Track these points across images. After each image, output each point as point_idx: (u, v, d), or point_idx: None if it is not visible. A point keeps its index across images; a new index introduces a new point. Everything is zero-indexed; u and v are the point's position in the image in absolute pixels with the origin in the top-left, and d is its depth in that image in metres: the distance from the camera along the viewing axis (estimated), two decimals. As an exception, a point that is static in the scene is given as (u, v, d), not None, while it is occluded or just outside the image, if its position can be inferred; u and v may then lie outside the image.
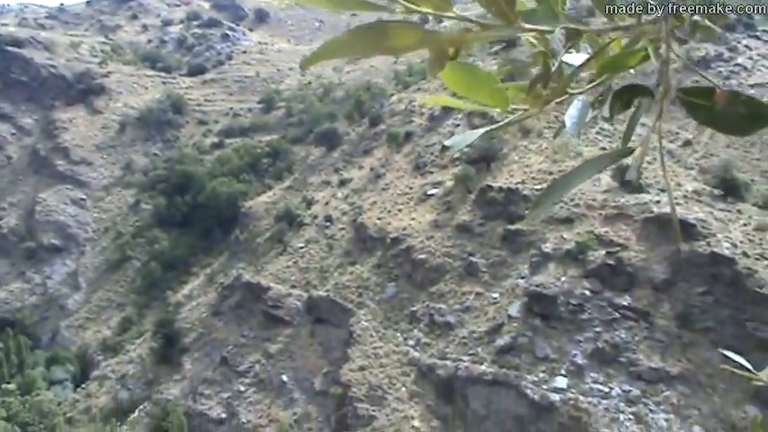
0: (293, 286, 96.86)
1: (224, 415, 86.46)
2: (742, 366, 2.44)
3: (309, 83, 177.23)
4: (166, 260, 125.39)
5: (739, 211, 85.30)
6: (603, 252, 79.92)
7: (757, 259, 75.48)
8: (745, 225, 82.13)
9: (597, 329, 75.47)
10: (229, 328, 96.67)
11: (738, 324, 72.29)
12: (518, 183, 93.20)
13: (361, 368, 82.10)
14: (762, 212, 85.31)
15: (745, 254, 75.80)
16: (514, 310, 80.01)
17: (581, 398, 70.83)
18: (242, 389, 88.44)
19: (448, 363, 79.41)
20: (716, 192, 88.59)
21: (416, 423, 75.65)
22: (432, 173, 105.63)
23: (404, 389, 79.46)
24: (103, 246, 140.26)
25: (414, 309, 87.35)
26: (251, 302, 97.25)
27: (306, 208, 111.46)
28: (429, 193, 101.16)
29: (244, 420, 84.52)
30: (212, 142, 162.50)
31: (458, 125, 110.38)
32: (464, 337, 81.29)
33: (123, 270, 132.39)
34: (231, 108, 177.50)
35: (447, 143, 2.41)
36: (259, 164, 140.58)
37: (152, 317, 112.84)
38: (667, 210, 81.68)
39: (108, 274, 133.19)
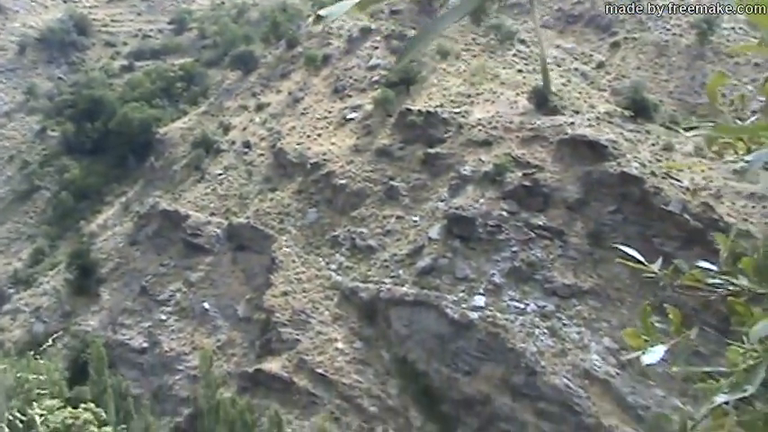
0: (212, 214, 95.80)
1: (145, 344, 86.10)
2: (636, 259, 2.76)
3: (222, 2, 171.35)
4: (78, 189, 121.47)
5: (648, 132, 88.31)
6: (520, 174, 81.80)
7: (663, 178, 78.77)
8: (653, 145, 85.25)
9: (514, 249, 77.88)
10: (148, 258, 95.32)
11: (646, 240, 75.74)
12: (437, 106, 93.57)
13: (284, 293, 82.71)
14: (669, 133, 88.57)
15: (652, 173, 78.90)
16: (434, 232, 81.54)
17: (498, 315, 73.53)
18: (163, 318, 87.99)
19: (370, 285, 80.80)
20: (626, 113, 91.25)
21: (340, 345, 77.20)
22: (351, 96, 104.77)
23: (327, 312, 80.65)
24: (8, 176, 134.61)
25: (335, 233, 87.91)
26: (169, 231, 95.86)
27: (223, 134, 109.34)
28: (348, 117, 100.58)
29: (166, 349, 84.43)
30: (121, 65, 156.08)
31: (376, 47, 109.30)
32: (386, 260, 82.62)
33: (32, 201, 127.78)
34: (140, 29, 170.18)
35: (321, 12, 2.41)
36: (173, 88, 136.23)
37: (66, 248, 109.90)
38: (581, 131, 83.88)
39: (15, 206, 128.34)
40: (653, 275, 2.57)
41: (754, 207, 75.93)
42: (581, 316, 73.40)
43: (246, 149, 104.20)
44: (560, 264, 76.80)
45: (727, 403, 2.23)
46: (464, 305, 74.74)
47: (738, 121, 2.90)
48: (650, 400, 66.07)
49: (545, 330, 72.05)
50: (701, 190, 77.25)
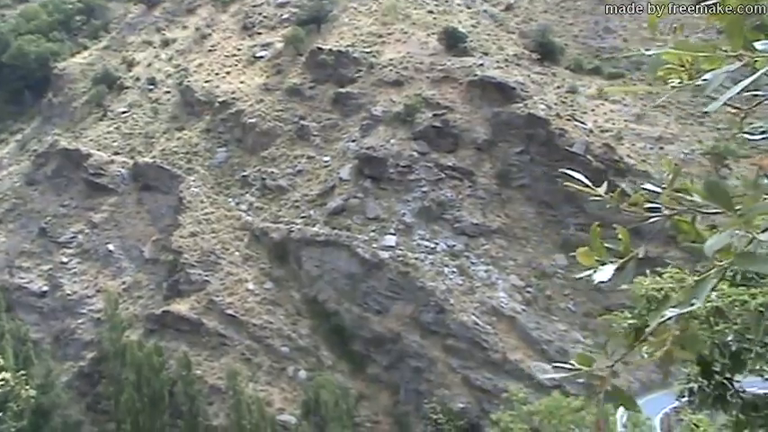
0: (116, 153, 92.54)
1: (46, 288, 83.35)
2: (583, 183, 2.67)
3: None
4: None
5: (554, 74, 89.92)
6: (430, 114, 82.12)
7: (568, 120, 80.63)
8: (558, 88, 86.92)
9: (424, 189, 78.63)
10: (47, 198, 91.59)
11: (551, 180, 77.67)
12: (348, 45, 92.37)
13: (193, 234, 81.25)
14: (574, 76, 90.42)
15: (558, 115, 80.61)
16: (345, 172, 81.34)
17: (409, 254, 74.48)
18: (65, 260, 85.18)
19: (281, 226, 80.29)
20: (534, 56, 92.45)
21: (251, 286, 76.75)
22: (260, 34, 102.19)
23: (237, 253, 79.85)
24: None
25: (245, 173, 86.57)
26: (70, 170, 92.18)
27: (126, 70, 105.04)
28: (258, 55, 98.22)
29: (68, 292, 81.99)
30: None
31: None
32: (296, 201, 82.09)
33: None
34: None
35: None
36: (71, 21, 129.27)
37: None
38: (490, 73, 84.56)
39: None
40: (598, 198, 2.45)
41: (651, 149, 78.75)
42: (489, 255, 75.14)
43: (151, 86, 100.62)
44: (469, 203, 78.08)
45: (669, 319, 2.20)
46: (375, 245, 75.28)
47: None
48: (553, 334, 68.72)
49: (454, 269, 73.50)
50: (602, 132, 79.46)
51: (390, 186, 79.13)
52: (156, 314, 76.61)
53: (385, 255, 74.10)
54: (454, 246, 75.04)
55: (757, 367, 4.99)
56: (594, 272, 1.98)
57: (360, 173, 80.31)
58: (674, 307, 2.10)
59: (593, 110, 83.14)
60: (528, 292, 72.33)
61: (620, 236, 2.08)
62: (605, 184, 2.63)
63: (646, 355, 2.20)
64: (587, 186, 2.59)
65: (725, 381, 4.86)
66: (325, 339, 73.74)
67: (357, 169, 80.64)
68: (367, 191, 79.21)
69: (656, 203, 2.31)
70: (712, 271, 2.00)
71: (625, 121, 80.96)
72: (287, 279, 78.00)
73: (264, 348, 72.85)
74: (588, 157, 76.03)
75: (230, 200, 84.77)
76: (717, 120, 79.92)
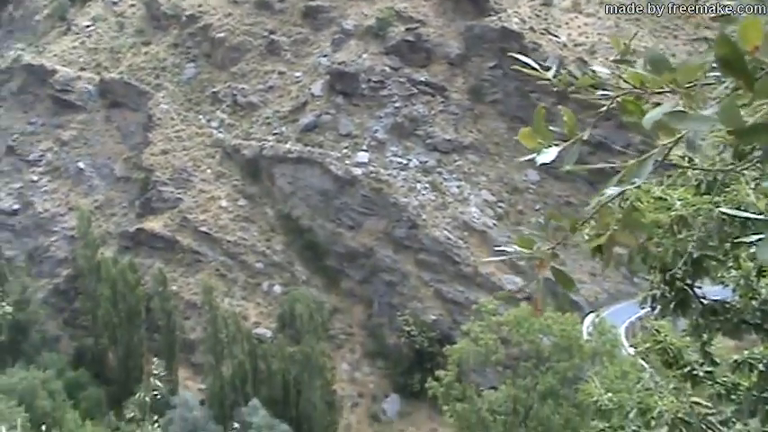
0: (82, 68, 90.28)
1: (17, 206, 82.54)
2: (531, 66, 2.80)
3: None
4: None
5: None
6: (403, 28, 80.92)
7: (542, 34, 79.99)
8: (532, 0, 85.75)
9: (397, 105, 78.23)
10: (13, 116, 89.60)
11: (523, 95, 77.66)
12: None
13: (164, 152, 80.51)
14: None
15: (531, 29, 79.85)
16: (317, 88, 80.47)
17: (382, 170, 74.70)
18: (35, 178, 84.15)
19: (253, 143, 79.77)
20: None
21: (224, 203, 76.77)
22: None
23: (209, 170, 79.48)
24: None
25: (215, 90, 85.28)
26: (36, 87, 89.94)
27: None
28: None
29: (40, 210, 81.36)
30: None
31: None
32: (268, 117, 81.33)
33: None
34: None
35: None
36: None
37: None
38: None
39: None
40: (546, 81, 2.63)
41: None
42: (461, 170, 75.61)
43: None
44: (442, 119, 78.00)
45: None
46: (348, 161, 75.31)
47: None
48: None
49: (426, 185, 74.02)
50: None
51: (362, 102, 78.62)
52: (130, 232, 76.64)
53: (358, 171, 74.28)
54: (426, 162, 75.36)
55: (717, 275, 5.39)
56: (538, 154, 2.09)
57: (331, 89, 79.55)
58: (616, 185, 2.19)
59: (567, 23, 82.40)
60: (499, 206, 73.30)
61: (565, 117, 2.22)
62: (553, 69, 2.76)
63: (586, 238, 2.35)
64: (535, 70, 2.75)
65: (686, 287, 5.25)
66: (299, 255, 74.52)
67: (329, 85, 79.85)
68: (339, 107, 78.69)
69: (606, 88, 2.38)
70: (654, 150, 2.11)
71: (599, 34, 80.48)
72: (260, 196, 78.08)
73: (239, 264, 73.54)
74: (561, 71, 75.77)
75: (201, 117, 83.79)
76: (690, 33, 79.85)
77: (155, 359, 46.32)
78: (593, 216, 2.26)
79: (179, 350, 65.32)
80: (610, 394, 5.74)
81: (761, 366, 5.51)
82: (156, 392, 24.82)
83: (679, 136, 2.04)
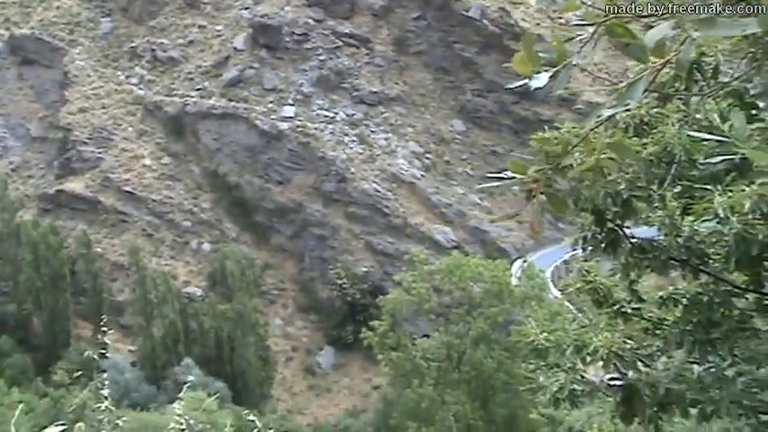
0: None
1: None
2: None
3: None
4: None
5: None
6: (326, -21, 79.66)
7: (466, -16, 79.90)
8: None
9: (321, 58, 77.33)
10: None
11: (447, 46, 77.85)
12: None
13: (82, 110, 77.74)
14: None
15: (455, -21, 79.63)
16: (239, 42, 78.73)
17: (309, 124, 74.06)
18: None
19: (175, 99, 77.80)
20: None
21: (147, 161, 74.95)
22: None
23: (131, 128, 77.29)
24: None
25: (133, 45, 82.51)
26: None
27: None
28: None
29: (-48, 174, 77.86)
30: None
31: None
32: (190, 73, 79.32)
33: None
34: None
35: None
36: None
37: None
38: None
39: None
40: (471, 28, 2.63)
41: (545, 12, 79.37)
42: (388, 122, 75.64)
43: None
44: (367, 71, 77.56)
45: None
46: (273, 116, 74.36)
47: None
48: (452, 198, 70.93)
49: (354, 138, 73.82)
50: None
51: (287, 56, 77.43)
52: (50, 194, 74.20)
53: (284, 126, 73.48)
54: (353, 114, 75.05)
55: (646, 215, 5.61)
56: (530, 80, 2.12)
57: (254, 42, 77.99)
58: (609, 108, 2.25)
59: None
60: (427, 158, 73.80)
61: (553, 42, 2.24)
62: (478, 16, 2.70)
63: (577, 163, 2.37)
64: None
65: (616, 228, 5.45)
66: (227, 212, 73.69)
67: (251, 38, 78.23)
68: (263, 61, 77.32)
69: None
70: (645, 72, 2.17)
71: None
72: (185, 153, 76.54)
73: (166, 223, 72.28)
74: (484, 21, 76.15)
75: (119, 73, 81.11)
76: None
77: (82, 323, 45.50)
78: (581, 142, 2.31)
79: (107, 312, 64.09)
80: (545, 334, 5.96)
81: (684, 301, 5.79)
82: (84, 356, 24.37)
83: (668, 57, 2.10)
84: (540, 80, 2.09)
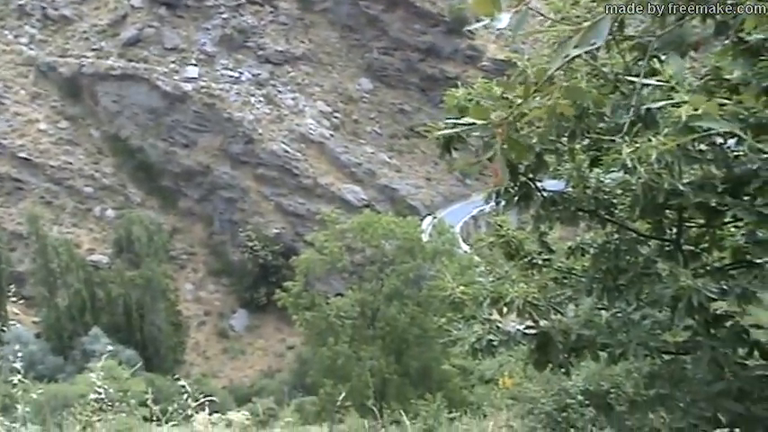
0: None
1: None
2: None
3: None
4: None
5: None
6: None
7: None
8: None
9: (224, 16, 75.36)
10: None
11: (353, 3, 77.20)
12: None
13: (-32, 72, 73.57)
14: None
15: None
16: (137, -1, 75.93)
17: (213, 85, 72.35)
18: None
19: (70, 60, 74.48)
20: None
21: (43, 126, 71.73)
22: None
23: (23, 92, 73.64)
24: None
25: (21, 2, 78.06)
26: None
27: None
28: None
29: None
30: None
31: None
32: (85, 32, 75.94)
33: None
34: None
35: None
36: None
37: None
38: None
39: None
40: None
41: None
42: (295, 82, 74.69)
43: None
44: (272, 30, 76.14)
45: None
46: (176, 77, 72.27)
47: None
48: (361, 157, 70.98)
49: (260, 98, 72.64)
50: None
51: (187, 14, 75.13)
52: (-63, 162, 70.27)
53: (188, 87, 71.57)
54: (259, 74, 73.74)
55: (556, 169, 5.77)
56: (492, 20, 2.10)
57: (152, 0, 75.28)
58: (576, 46, 2.25)
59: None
60: (335, 117, 73.44)
61: None
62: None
63: (537, 108, 2.38)
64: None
65: (529, 181, 5.59)
66: (131, 177, 71.62)
67: (150, -5, 75.48)
68: (163, 19, 74.75)
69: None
70: (608, 13, 2.16)
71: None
72: (83, 117, 73.69)
73: (66, 190, 69.68)
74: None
75: (7, 32, 76.86)
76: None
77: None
78: (542, 85, 2.32)
79: (6, 283, 61.58)
80: (462, 287, 6.09)
81: (592, 250, 6.03)
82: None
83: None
84: (503, 20, 2.08)
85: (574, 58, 2.24)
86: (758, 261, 4.64)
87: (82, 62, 73.31)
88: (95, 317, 56.10)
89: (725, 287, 4.58)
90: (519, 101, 2.39)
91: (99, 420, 5.84)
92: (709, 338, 4.96)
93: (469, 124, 2.39)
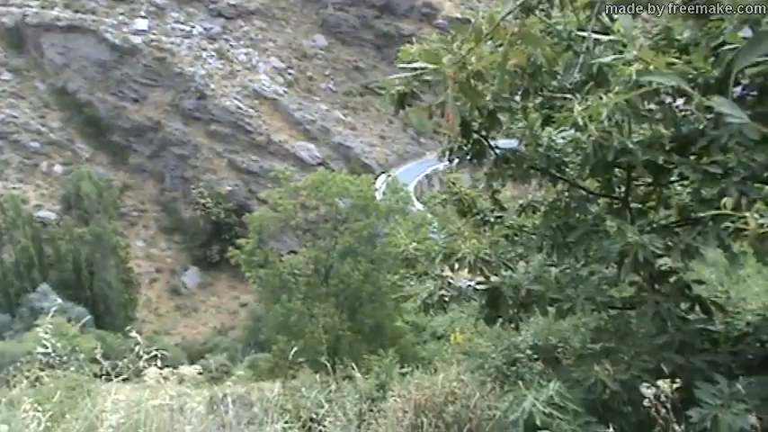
0: None
1: None
2: None
3: None
4: None
5: None
6: None
7: None
8: None
9: (175, -33, 73.46)
10: None
11: (308, -42, 75.75)
12: None
13: None
14: None
15: None
16: (83, -53, 73.28)
17: (164, 39, 70.67)
18: None
19: (13, 9, 71.92)
20: None
21: (-15, 78, 69.47)
22: None
23: (-36, 42, 71.05)
24: None
25: (-40, -53, 75.04)
26: None
27: None
28: None
29: None
30: None
31: None
32: (28, -20, 73.34)
33: None
34: None
35: None
36: None
37: None
38: None
39: None
40: None
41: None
42: (248, 37, 73.37)
43: None
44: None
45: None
46: (125, 29, 70.37)
47: None
48: (316, 114, 70.36)
49: (213, 53, 71.26)
50: None
51: (137, -35, 73.00)
52: None
53: (137, 40, 69.82)
54: (211, 28, 72.24)
55: (509, 128, 5.82)
56: None
57: (99, -53, 72.84)
58: None
59: None
60: (289, 73, 72.52)
61: None
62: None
63: (489, 54, 2.35)
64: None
65: (482, 139, 5.64)
66: (79, 132, 69.98)
67: (96, -57, 72.95)
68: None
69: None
70: None
71: None
72: (28, 69, 71.48)
73: (11, 145, 67.81)
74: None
75: (-54, -21, 73.82)
76: None
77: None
78: (493, 31, 2.29)
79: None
80: (415, 244, 6.14)
81: (543, 208, 6.13)
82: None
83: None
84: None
85: (524, 2, 2.24)
86: (701, 215, 4.76)
87: (25, 12, 70.90)
88: (44, 274, 55.18)
89: (670, 243, 4.69)
90: (471, 45, 2.37)
91: (48, 376, 5.79)
92: (654, 294, 5.10)
93: (421, 69, 2.37)
